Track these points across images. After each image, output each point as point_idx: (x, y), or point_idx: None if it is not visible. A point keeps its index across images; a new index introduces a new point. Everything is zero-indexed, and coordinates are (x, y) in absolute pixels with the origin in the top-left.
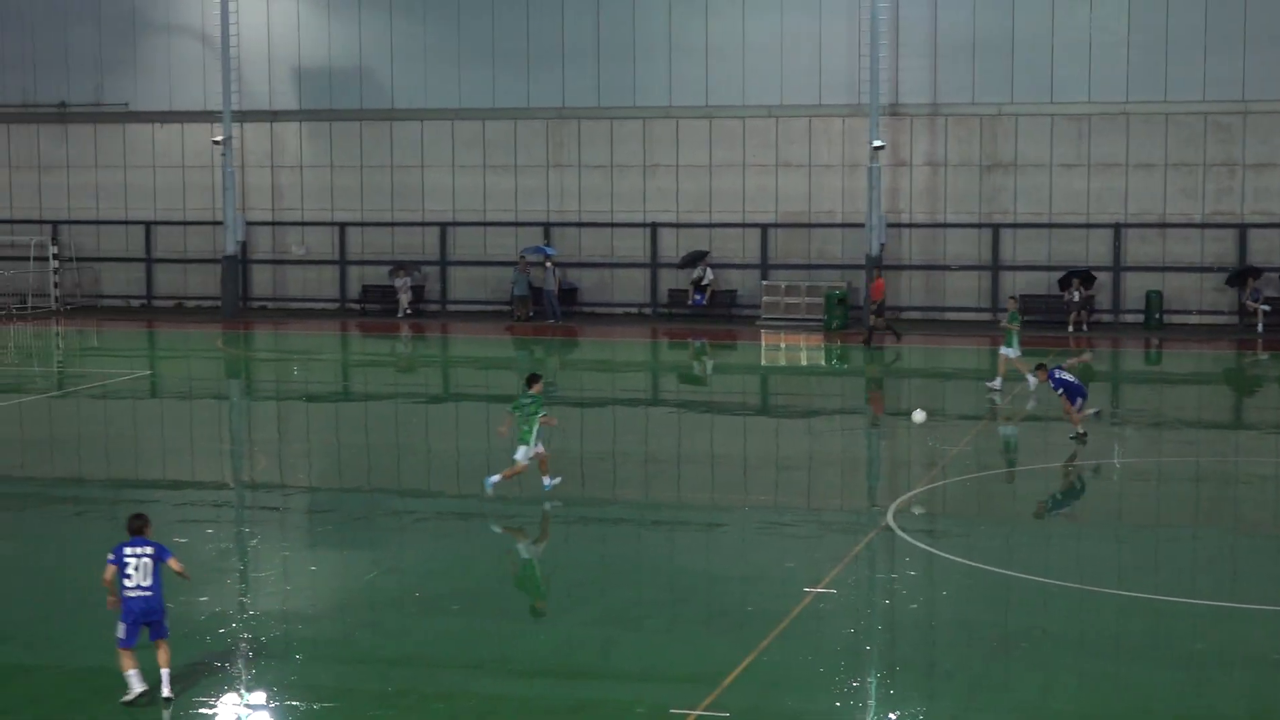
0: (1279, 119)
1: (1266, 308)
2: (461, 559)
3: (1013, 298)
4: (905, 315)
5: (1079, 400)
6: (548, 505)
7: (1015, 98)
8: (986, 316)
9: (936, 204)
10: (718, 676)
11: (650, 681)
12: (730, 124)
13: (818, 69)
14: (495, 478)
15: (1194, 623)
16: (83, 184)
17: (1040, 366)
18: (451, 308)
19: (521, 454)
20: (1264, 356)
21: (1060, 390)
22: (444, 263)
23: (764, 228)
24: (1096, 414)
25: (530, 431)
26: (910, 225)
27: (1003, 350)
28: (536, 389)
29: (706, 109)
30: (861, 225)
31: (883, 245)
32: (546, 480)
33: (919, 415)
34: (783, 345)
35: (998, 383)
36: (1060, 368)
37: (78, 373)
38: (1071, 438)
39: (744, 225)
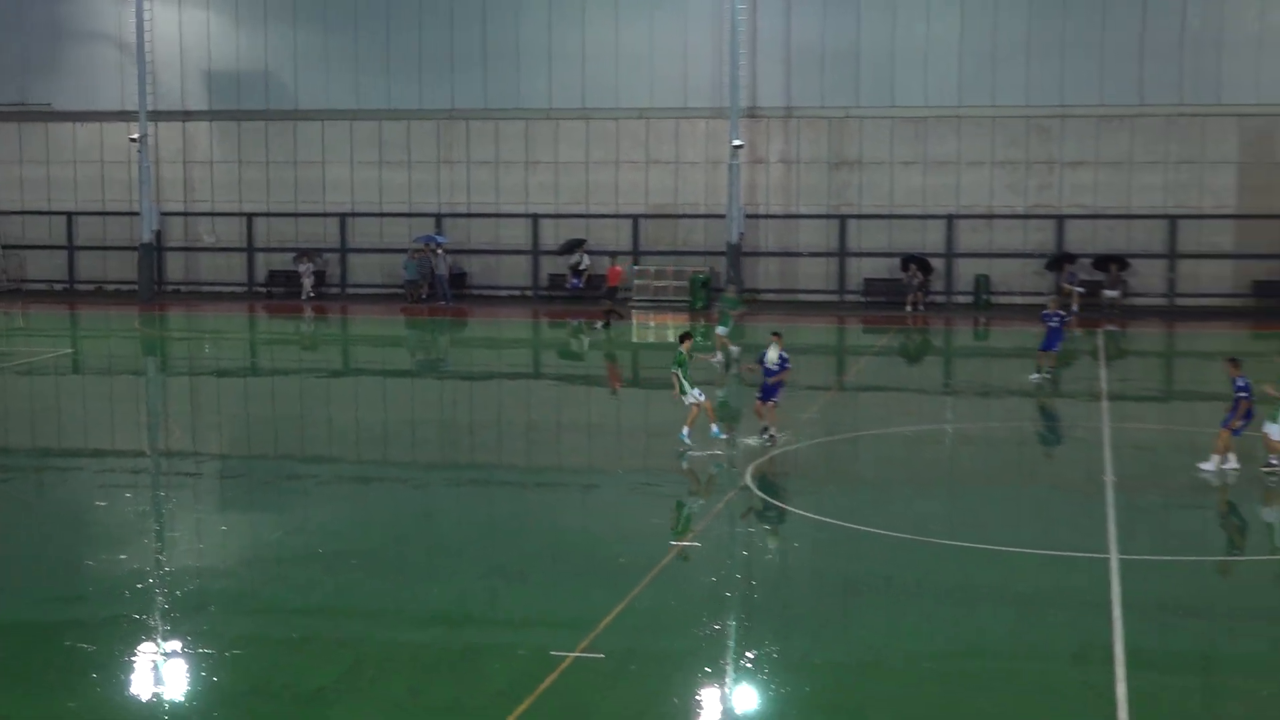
0: (1093, 122)
1: (1081, 289)
2: (360, 519)
3: (731, 283)
4: (762, 296)
5: (778, 391)
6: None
7: (860, 102)
8: (834, 298)
9: (790, 197)
10: (593, 622)
11: (532, 627)
12: (605, 125)
13: (684, 75)
14: (715, 428)
15: (1018, 568)
16: (8, 178)
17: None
18: (351, 291)
19: (695, 395)
20: (1079, 333)
21: (778, 369)
22: (344, 250)
23: (635, 218)
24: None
25: (690, 380)
26: (766, 216)
27: (719, 330)
28: (686, 346)
29: (583, 111)
30: (722, 216)
31: (742, 234)
32: (714, 428)
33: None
34: (651, 324)
35: (719, 356)
36: (783, 356)
37: (3, 351)
38: (763, 434)
39: (617, 216)
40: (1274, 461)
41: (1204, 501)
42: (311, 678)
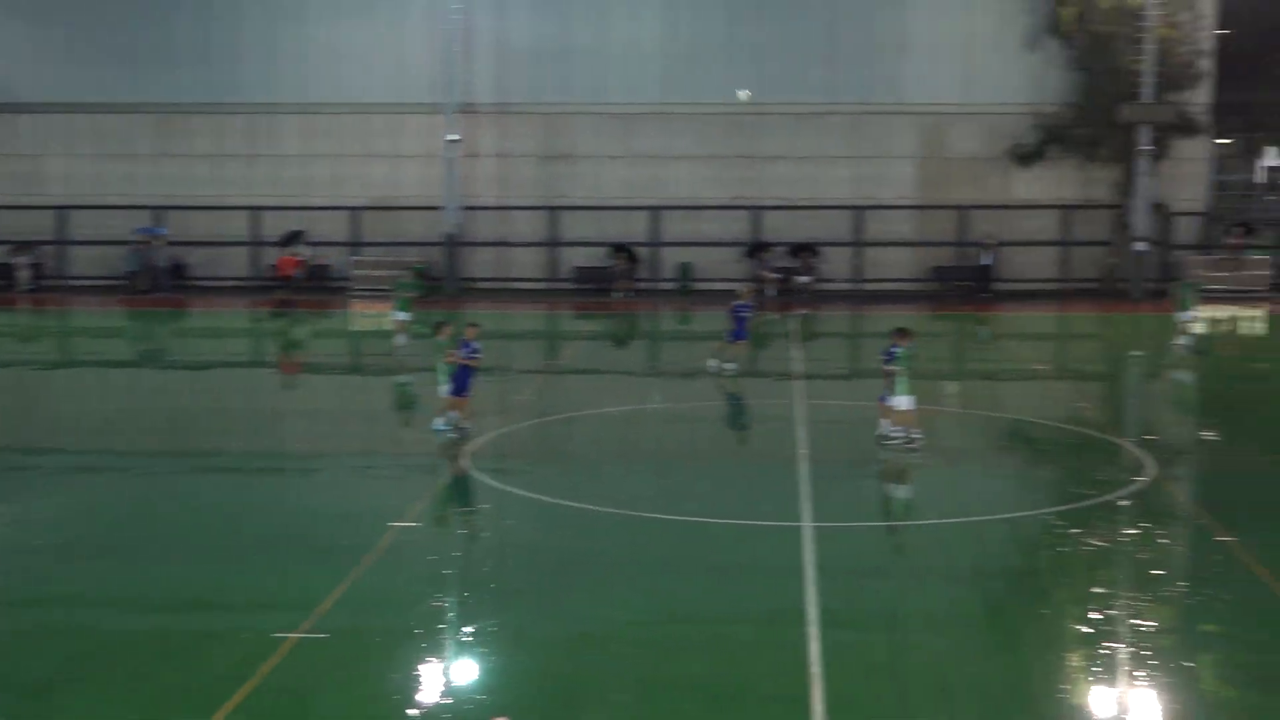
0: (787, 119)
1: (777, 275)
2: (83, 509)
3: (413, 268)
4: (479, 285)
5: (467, 384)
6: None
7: (571, 98)
8: (547, 285)
9: (505, 189)
10: (315, 603)
11: (255, 611)
12: (325, 119)
13: (401, 71)
14: (442, 421)
15: (718, 539)
16: None
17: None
18: (71, 283)
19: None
20: (776, 316)
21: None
22: (64, 242)
23: (354, 210)
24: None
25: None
26: (482, 208)
27: (397, 314)
28: (445, 333)
29: (303, 105)
30: (439, 208)
31: (458, 225)
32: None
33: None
34: (371, 313)
35: (401, 339)
36: (468, 344)
37: None
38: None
39: (337, 208)
40: (896, 432)
41: (883, 470)
42: (33, 669)
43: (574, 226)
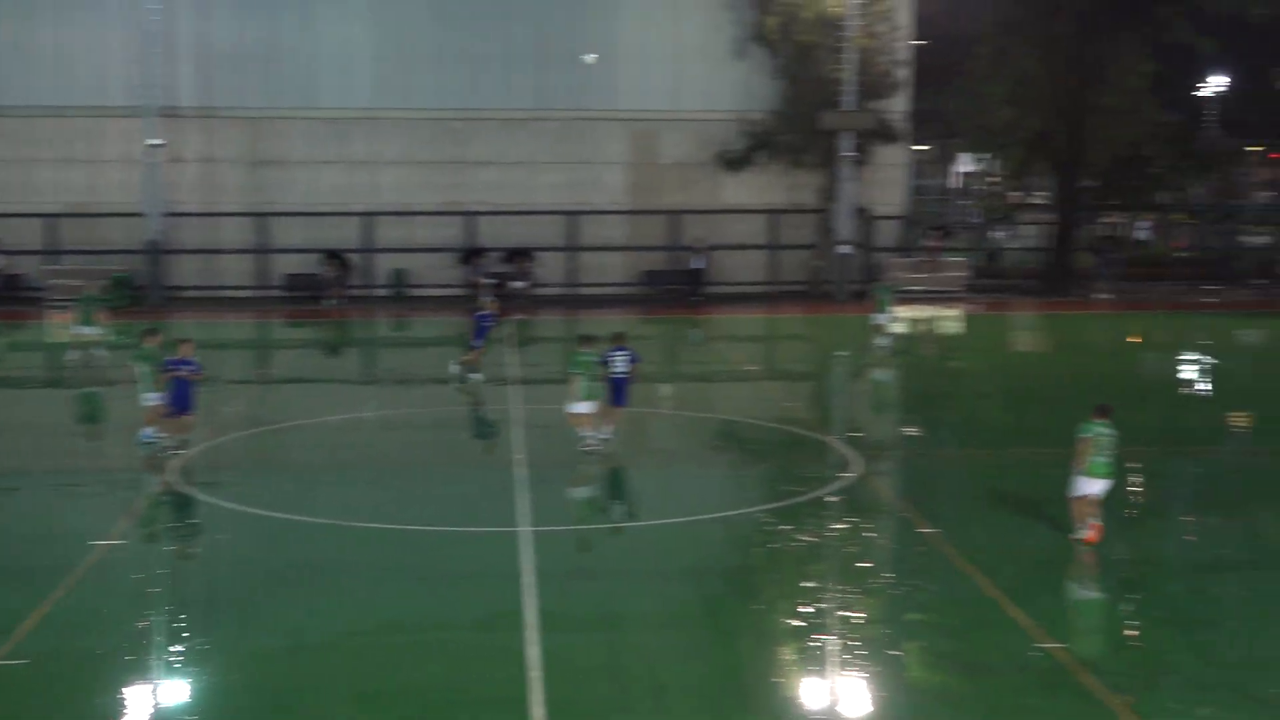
0: (497, 124)
1: (492, 281)
2: None
3: (113, 278)
4: (185, 294)
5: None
6: None
7: (279, 103)
8: (257, 293)
9: (212, 195)
10: (13, 628)
11: None
12: (16, 122)
13: (101, 73)
14: (148, 432)
15: (436, 546)
16: None
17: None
18: None
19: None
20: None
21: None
22: None
23: (49, 217)
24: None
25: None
26: (187, 215)
27: (82, 329)
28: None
29: None
30: (141, 215)
31: (161, 232)
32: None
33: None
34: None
35: (75, 355)
36: (176, 361)
37: None
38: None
39: (30, 215)
40: (591, 436)
41: (601, 473)
42: None
43: (284, 233)
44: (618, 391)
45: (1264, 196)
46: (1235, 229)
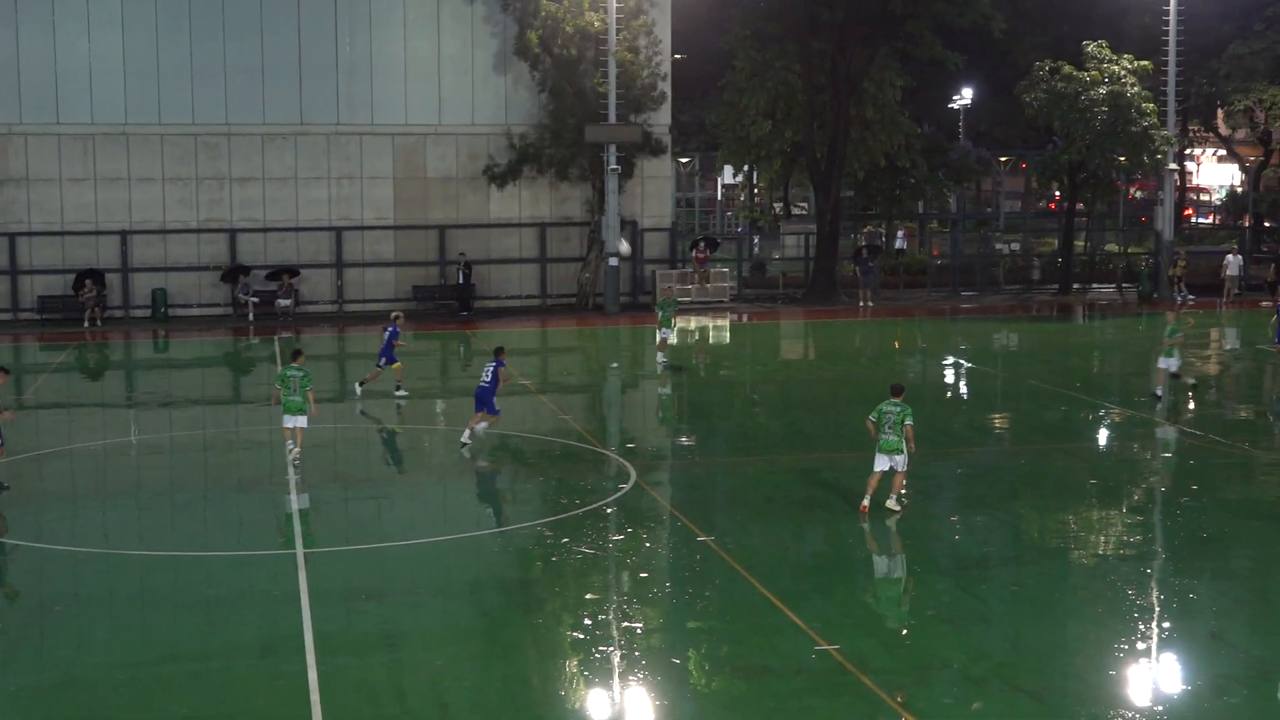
0: (257, 140)
1: (255, 299)
2: None
3: None
4: None
5: None
6: None
7: (23, 118)
8: (8, 317)
9: None
10: None
11: None
12: None
13: None
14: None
15: (209, 572)
16: None
17: None
18: None
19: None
20: (256, 340)
21: None
22: None
23: None
24: None
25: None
26: None
27: None
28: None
29: None
30: None
31: None
32: None
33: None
34: None
35: None
36: None
37: None
38: None
39: None
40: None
41: (381, 491)
42: None
43: (34, 254)
44: (480, 400)
45: (1014, 205)
46: (989, 236)
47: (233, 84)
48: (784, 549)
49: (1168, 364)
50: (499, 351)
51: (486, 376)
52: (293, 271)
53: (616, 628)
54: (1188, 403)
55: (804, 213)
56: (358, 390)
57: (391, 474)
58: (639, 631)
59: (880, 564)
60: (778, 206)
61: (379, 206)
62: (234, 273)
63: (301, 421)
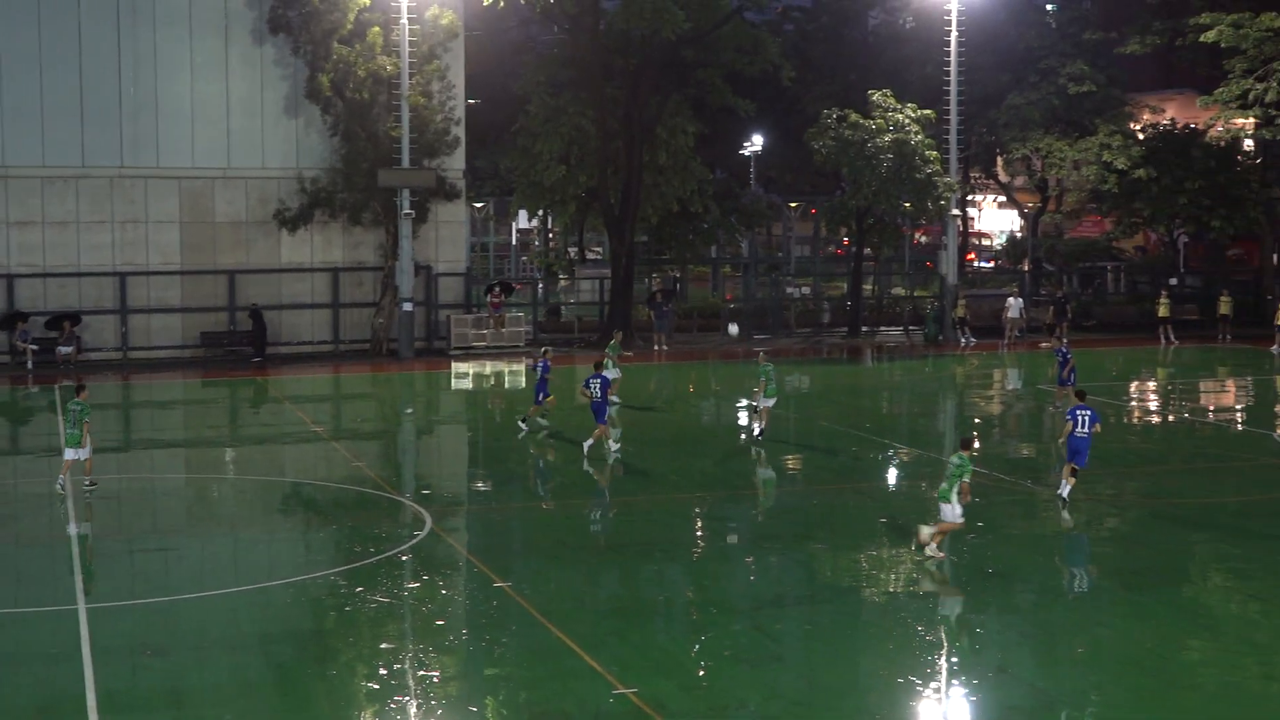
0: (36, 183)
1: (35, 347)
2: None
3: None
4: None
5: None
6: None
7: None
8: None
9: None
10: None
11: None
12: None
13: None
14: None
15: None
16: None
17: None
18: None
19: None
20: (35, 389)
21: None
22: None
23: None
24: None
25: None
26: None
27: None
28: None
29: None
30: None
31: None
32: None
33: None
34: None
35: None
36: None
37: None
38: None
39: None
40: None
41: (164, 544)
42: None
43: None
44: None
45: (804, 250)
46: (780, 280)
47: (10, 124)
48: (581, 593)
49: (766, 403)
50: (599, 366)
51: (596, 393)
52: (74, 318)
53: (413, 677)
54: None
55: (599, 257)
56: (522, 426)
57: (180, 525)
58: (435, 680)
59: (677, 606)
60: (572, 251)
61: (165, 251)
62: (10, 319)
63: (82, 454)
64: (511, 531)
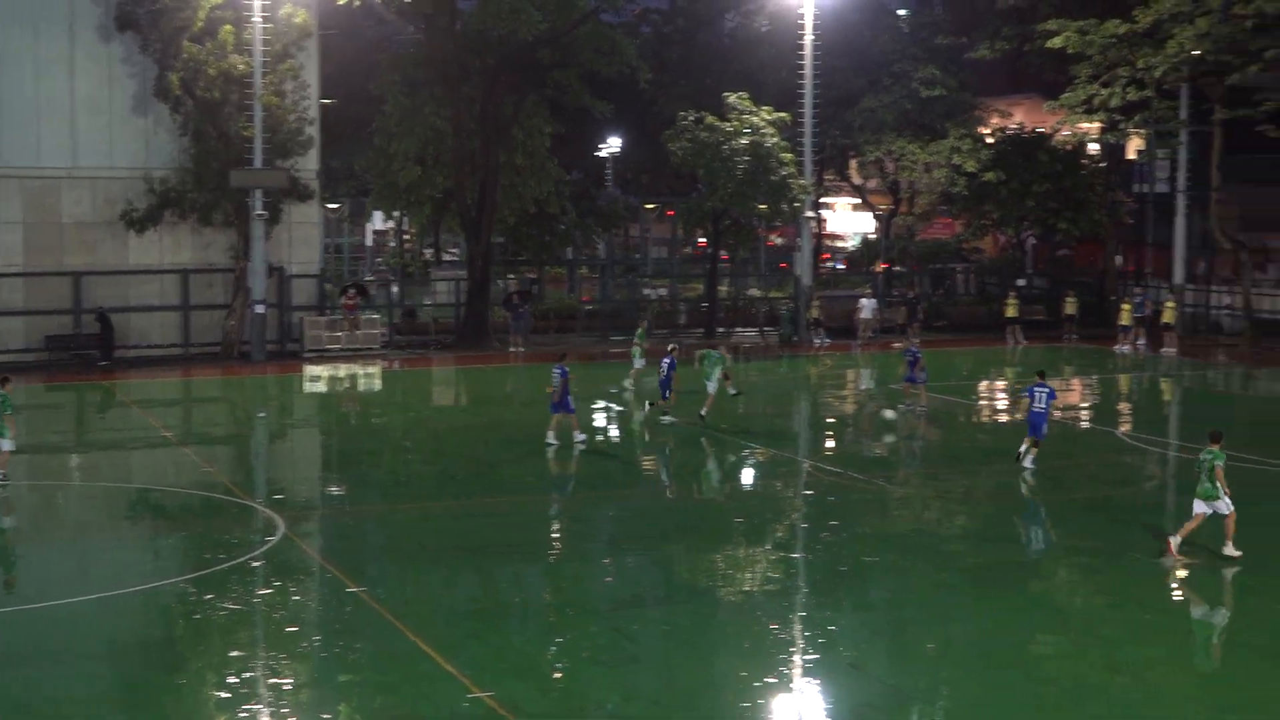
0: None
1: None
2: None
3: None
4: None
5: None
6: None
7: None
8: None
9: None
10: None
11: None
12: None
13: None
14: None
15: None
16: None
17: None
18: None
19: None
20: None
21: None
22: None
23: None
24: None
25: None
26: None
27: None
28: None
29: None
30: None
31: None
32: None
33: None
34: None
35: None
36: None
37: None
38: None
39: None
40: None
41: (7, 552)
42: None
43: None
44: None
45: (661, 251)
46: (636, 282)
47: None
48: (437, 596)
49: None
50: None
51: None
52: None
53: (264, 685)
54: (825, 441)
55: (455, 259)
56: (667, 420)
57: (24, 533)
58: (288, 688)
59: (534, 608)
60: (428, 252)
61: (8, 252)
62: None
63: (5, 445)
64: (367, 535)
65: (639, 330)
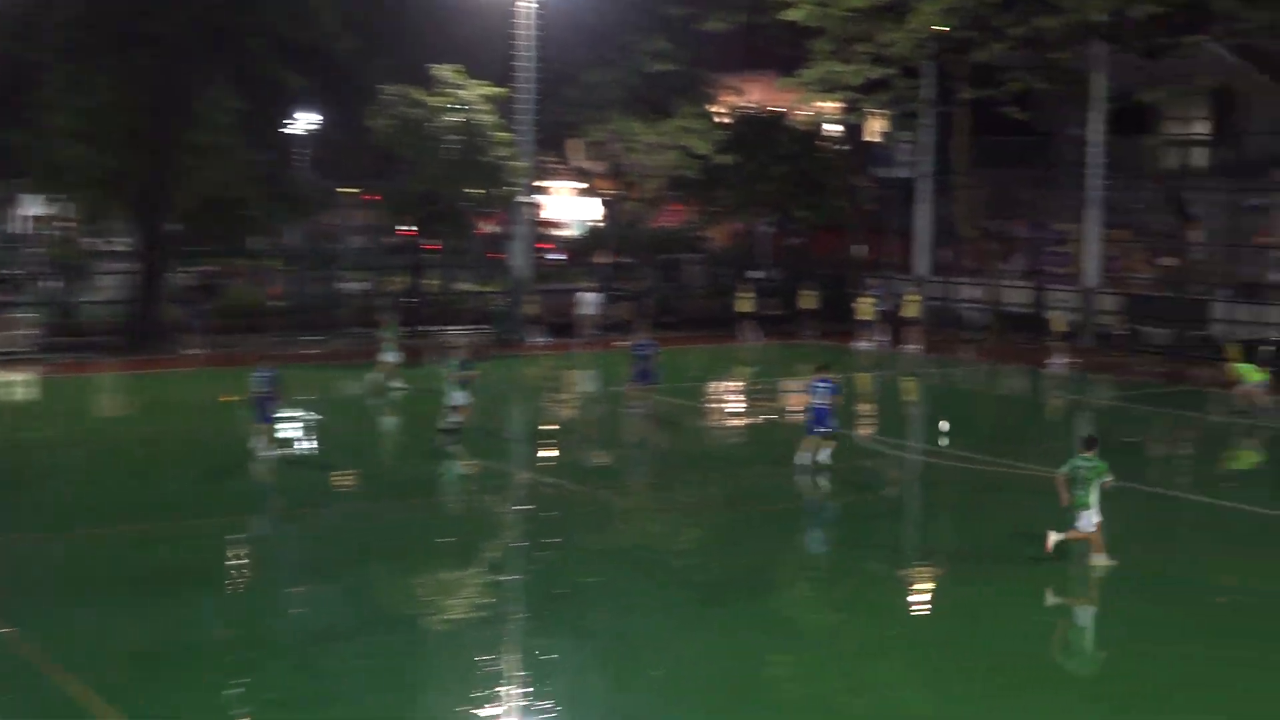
0: None
1: None
2: None
3: None
4: None
5: None
6: None
7: None
8: None
9: None
10: None
11: None
12: None
13: None
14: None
15: None
16: None
17: None
18: None
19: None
20: None
21: None
22: None
23: None
24: None
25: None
26: None
27: None
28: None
29: None
30: None
31: None
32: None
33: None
34: None
35: None
36: None
37: None
38: None
39: None
40: None
41: None
42: None
43: None
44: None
45: (360, 241)
46: (333, 275)
47: None
48: (102, 636)
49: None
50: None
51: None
52: None
53: None
54: (542, 451)
55: (125, 249)
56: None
57: None
58: None
59: (216, 646)
60: (92, 242)
61: None
62: None
63: None
64: (19, 569)
65: (388, 326)
